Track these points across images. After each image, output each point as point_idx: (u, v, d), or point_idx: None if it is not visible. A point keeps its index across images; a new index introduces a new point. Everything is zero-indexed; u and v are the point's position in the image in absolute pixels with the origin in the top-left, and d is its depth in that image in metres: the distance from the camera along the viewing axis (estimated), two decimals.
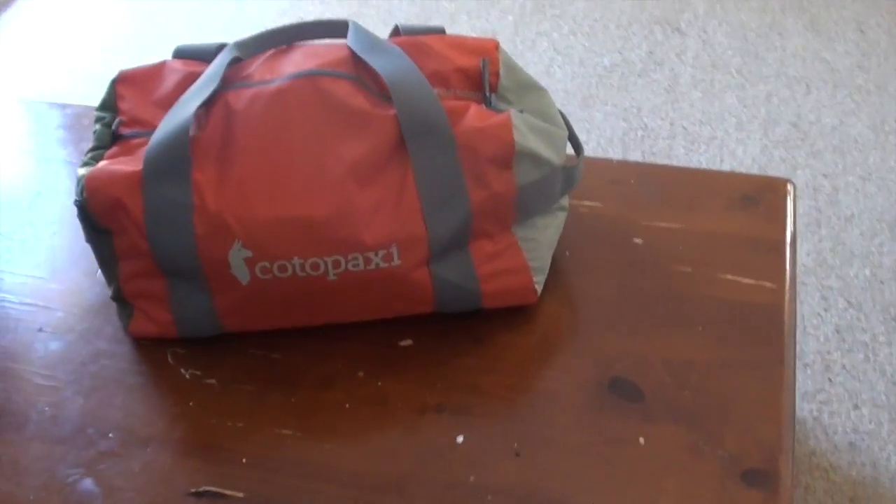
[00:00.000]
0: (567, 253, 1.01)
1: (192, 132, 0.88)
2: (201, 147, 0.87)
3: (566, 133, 0.94)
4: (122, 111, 0.95)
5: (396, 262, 0.87)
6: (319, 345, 0.94)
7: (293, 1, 2.39)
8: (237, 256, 0.86)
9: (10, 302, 1.00)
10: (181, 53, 0.98)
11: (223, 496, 0.82)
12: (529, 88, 0.95)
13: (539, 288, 0.94)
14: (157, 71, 0.97)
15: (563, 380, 0.89)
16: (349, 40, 0.93)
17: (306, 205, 0.85)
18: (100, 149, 0.92)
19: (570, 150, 0.99)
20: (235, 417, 0.88)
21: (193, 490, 0.83)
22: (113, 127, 0.93)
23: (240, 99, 0.88)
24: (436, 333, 0.94)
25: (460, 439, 0.85)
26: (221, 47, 0.96)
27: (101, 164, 0.88)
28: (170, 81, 0.95)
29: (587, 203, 1.06)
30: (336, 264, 0.86)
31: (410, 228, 0.86)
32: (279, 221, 0.85)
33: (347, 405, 0.89)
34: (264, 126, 0.87)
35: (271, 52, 0.95)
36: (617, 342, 0.92)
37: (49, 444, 0.87)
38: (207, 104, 0.89)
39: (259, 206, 0.85)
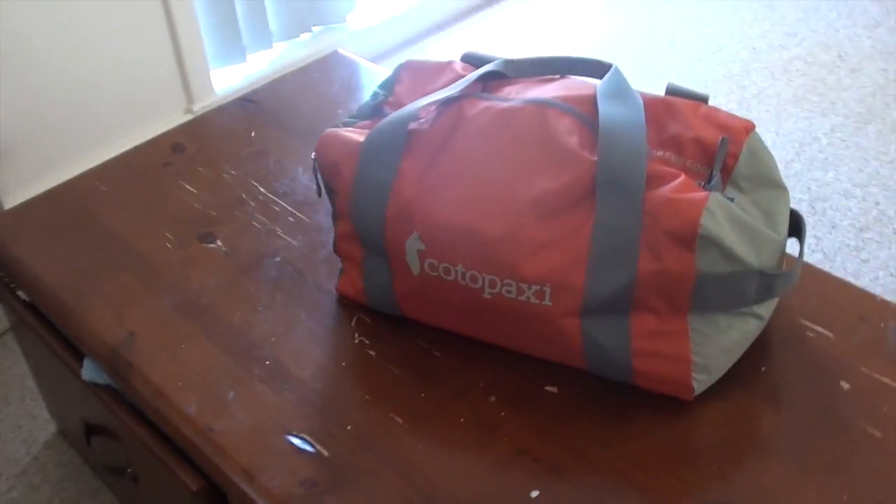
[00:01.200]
0: (763, 368, 0.92)
1: (417, 125, 0.93)
2: (419, 140, 0.92)
3: (781, 239, 0.86)
4: (395, 93, 1.03)
5: (547, 302, 0.86)
6: (477, 358, 0.96)
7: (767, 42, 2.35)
8: (412, 246, 0.91)
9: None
10: (466, 58, 1.04)
11: (313, 450, 0.88)
12: (768, 184, 0.88)
13: (698, 386, 0.87)
14: (440, 68, 1.04)
15: (675, 489, 0.83)
16: (601, 81, 0.93)
17: (483, 220, 0.87)
18: (357, 118, 1.01)
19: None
20: (367, 389, 0.93)
21: (294, 433, 0.90)
22: (375, 101, 1.02)
23: (473, 108, 0.93)
24: (584, 394, 0.91)
25: (534, 494, 0.83)
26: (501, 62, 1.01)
27: (341, 129, 0.97)
28: (444, 79, 1.02)
29: (818, 328, 0.96)
30: (492, 284, 0.88)
31: (569, 275, 0.85)
32: (454, 227, 0.88)
33: (462, 419, 0.90)
34: (480, 138, 0.90)
35: (535, 78, 0.98)
36: (747, 476, 0.83)
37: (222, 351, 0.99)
38: (446, 104, 0.94)
39: (444, 207, 0.89)
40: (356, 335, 0.99)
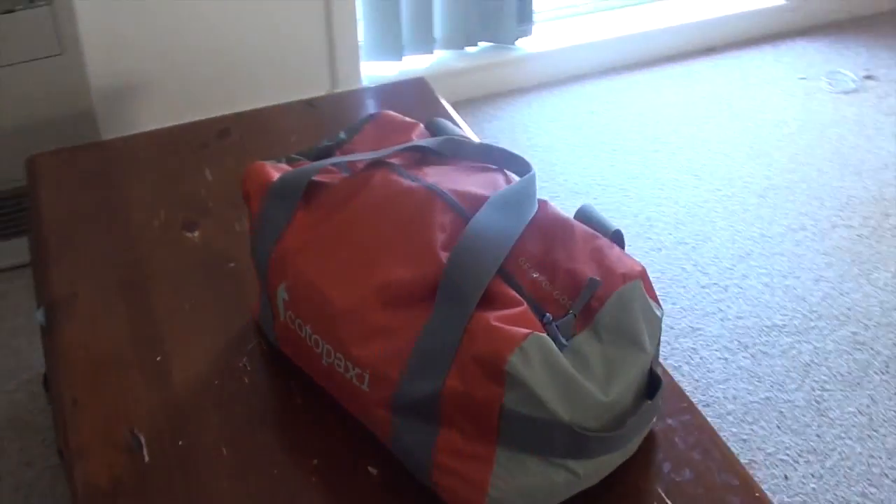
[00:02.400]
0: None
1: (328, 179, 0.95)
2: (322, 194, 0.94)
3: (608, 401, 0.81)
4: (353, 140, 1.05)
5: (365, 387, 0.86)
6: (328, 419, 0.97)
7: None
8: (280, 295, 0.93)
9: None
10: (429, 125, 1.04)
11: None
12: (627, 341, 0.84)
13: None
14: (405, 127, 1.05)
15: None
16: (505, 187, 0.91)
17: (336, 291, 0.88)
18: (304, 157, 1.04)
19: None
20: (219, 408, 0.97)
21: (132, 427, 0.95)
22: (331, 143, 1.04)
23: (382, 178, 0.93)
24: (398, 484, 0.91)
25: None
26: (446, 136, 1.00)
27: (271, 163, 1.00)
28: (401, 139, 1.03)
29: None
30: (328, 353, 0.89)
31: (388, 368, 0.84)
32: (313, 288, 0.89)
33: (276, 472, 0.92)
34: (370, 210, 0.91)
35: (473, 164, 0.97)
36: None
37: None
38: (366, 167, 0.95)
39: (311, 266, 0.90)
40: (245, 358, 1.03)
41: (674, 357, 1.62)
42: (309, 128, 1.42)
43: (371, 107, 1.48)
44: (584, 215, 0.92)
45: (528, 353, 0.79)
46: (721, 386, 1.56)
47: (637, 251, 1.85)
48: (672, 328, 1.68)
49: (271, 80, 2.04)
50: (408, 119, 1.06)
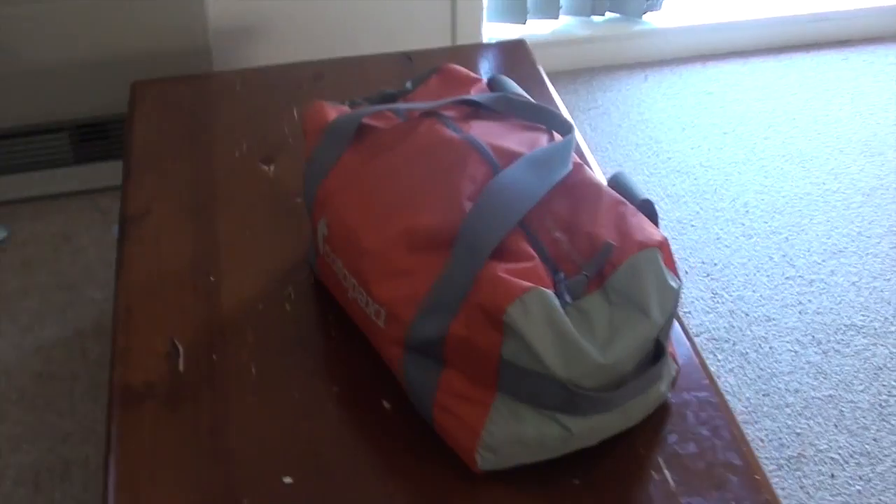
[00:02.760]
0: (576, 481, 0.90)
1: (382, 125, 0.99)
2: (371, 139, 0.98)
3: (606, 363, 0.83)
4: (416, 91, 1.08)
5: (381, 323, 0.90)
6: (359, 353, 1.01)
7: None
8: (320, 230, 0.98)
9: None
10: (490, 82, 1.07)
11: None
12: (634, 307, 0.85)
13: (483, 463, 0.87)
14: (467, 81, 1.07)
15: None
16: (548, 141, 0.94)
17: (367, 231, 0.92)
18: (368, 101, 1.08)
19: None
20: (264, 331, 1.03)
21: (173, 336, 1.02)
22: (395, 92, 1.08)
23: (427, 127, 0.96)
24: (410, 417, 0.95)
25: (287, 480, 0.89)
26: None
27: (333, 104, 1.05)
28: (460, 92, 1.06)
29: (665, 473, 0.91)
30: (354, 288, 0.93)
31: (403, 309, 0.88)
32: (345, 225, 0.94)
33: (294, 395, 0.97)
34: (412, 157, 0.94)
35: (519, 122, 0.99)
36: None
37: None
38: (420, 115, 0.99)
39: (349, 206, 0.94)
40: (290, 287, 1.09)
41: (743, 343, 1.60)
42: (401, 79, 1.46)
43: (465, 65, 1.51)
44: (616, 182, 0.93)
45: (527, 306, 0.81)
46: (785, 377, 1.54)
47: (727, 236, 1.83)
48: (747, 314, 1.66)
49: (392, 32, 2.09)
50: (472, 74, 1.09)
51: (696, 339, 1.61)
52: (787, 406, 1.49)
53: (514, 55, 1.55)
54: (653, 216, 0.92)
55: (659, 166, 2.05)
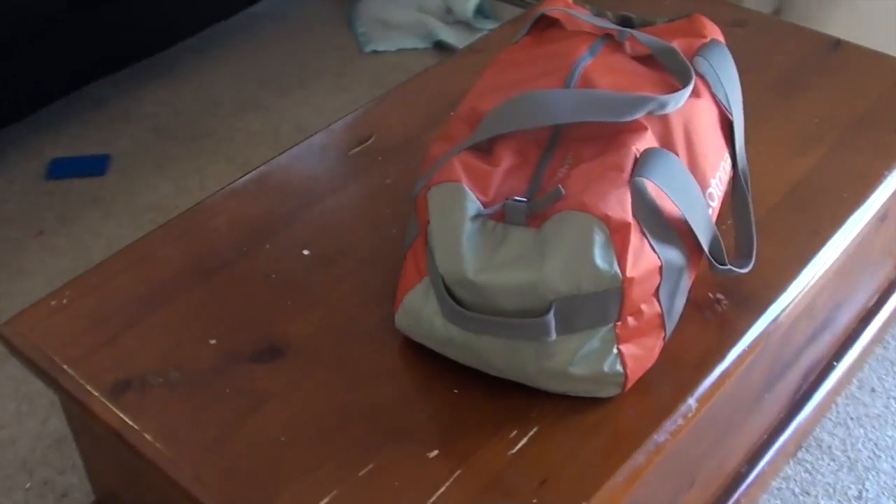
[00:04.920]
0: None
1: (569, 28, 1.06)
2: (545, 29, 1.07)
3: (474, 282, 0.84)
4: (657, 27, 1.06)
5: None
6: None
7: None
8: None
9: None
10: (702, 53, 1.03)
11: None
12: (536, 257, 0.84)
13: (397, 321, 0.93)
14: (698, 33, 1.04)
15: None
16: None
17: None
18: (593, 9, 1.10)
19: None
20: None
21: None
22: (628, 15, 1.07)
23: (580, 41, 1.01)
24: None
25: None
26: None
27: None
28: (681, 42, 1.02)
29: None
30: None
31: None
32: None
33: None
34: (536, 55, 1.01)
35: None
36: None
37: None
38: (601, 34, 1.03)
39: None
40: None
41: None
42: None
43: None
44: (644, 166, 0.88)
45: (441, 194, 0.86)
46: None
47: None
48: None
49: None
50: (707, 31, 1.04)
51: None
52: None
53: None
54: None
55: None
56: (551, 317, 0.82)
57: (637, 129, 0.88)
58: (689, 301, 0.96)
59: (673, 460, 0.97)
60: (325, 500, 0.81)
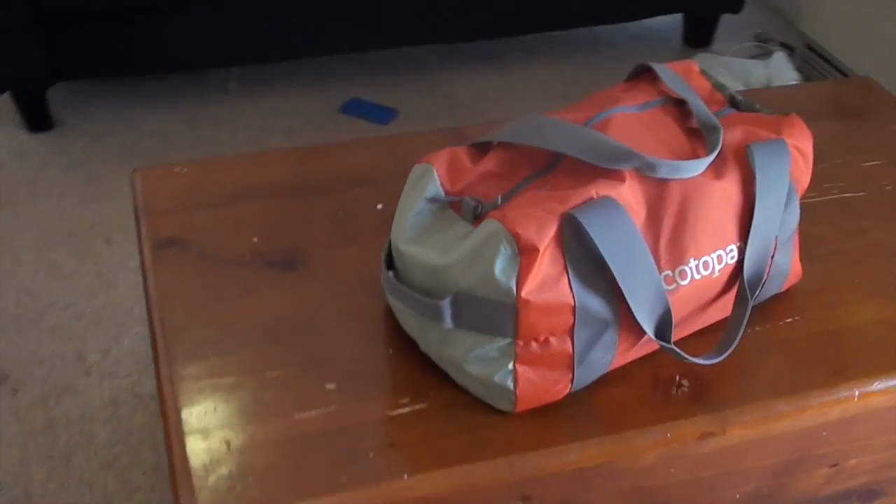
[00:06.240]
0: None
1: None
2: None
3: (402, 253, 0.94)
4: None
5: None
6: None
7: None
8: None
9: None
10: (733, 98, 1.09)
11: None
12: (451, 244, 0.91)
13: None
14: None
15: None
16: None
17: None
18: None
19: None
20: None
21: None
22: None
23: (634, 95, 1.05)
24: None
25: None
26: None
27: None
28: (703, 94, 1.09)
29: None
30: None
31: None
32: None
33: None
34: (591, 106, 1.04)
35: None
36: None
37: None
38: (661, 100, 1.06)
39: None
40: None
41: None
42: None
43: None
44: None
45: (417, 169, 0.95)
46: None
47: None
48: None
49: None
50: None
51: None
52: None
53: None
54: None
55: None
56: (447, 304, 0.89)
57: (616, 178, 0.90)
58: (649, 371, 0.96)
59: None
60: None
